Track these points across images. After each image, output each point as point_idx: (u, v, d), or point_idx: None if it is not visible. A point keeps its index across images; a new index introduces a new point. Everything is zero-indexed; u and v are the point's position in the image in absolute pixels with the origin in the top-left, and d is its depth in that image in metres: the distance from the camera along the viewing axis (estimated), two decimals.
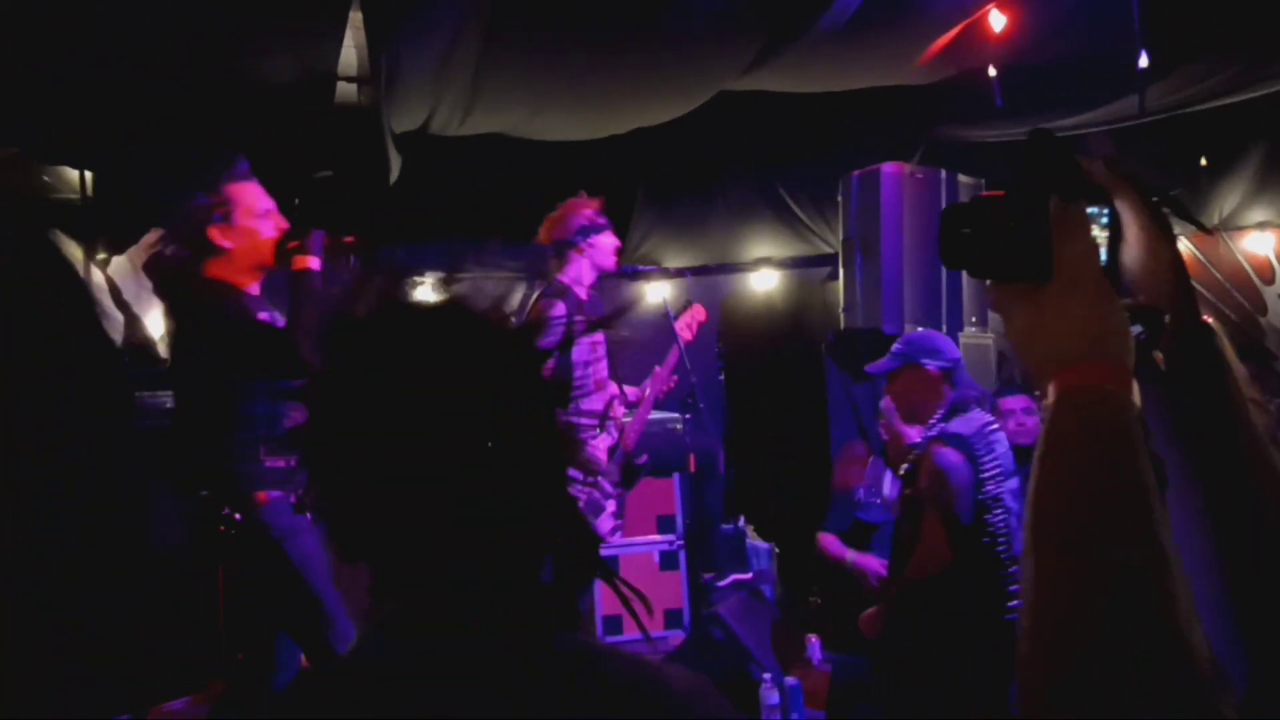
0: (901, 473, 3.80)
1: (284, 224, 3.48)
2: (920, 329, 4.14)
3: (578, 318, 4.47)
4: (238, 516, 3.33)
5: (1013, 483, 3.61)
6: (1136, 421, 0.75)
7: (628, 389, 5.12)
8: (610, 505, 4.85)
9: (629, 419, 5.08)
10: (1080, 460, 0.73)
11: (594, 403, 4.88)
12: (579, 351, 4.77)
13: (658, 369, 5.15)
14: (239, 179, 3.46)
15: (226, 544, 3.35)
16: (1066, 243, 0.79)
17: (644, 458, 5.01)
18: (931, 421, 3.68)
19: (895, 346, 3.81)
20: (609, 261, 4.85)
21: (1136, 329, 0.84)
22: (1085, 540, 0.70)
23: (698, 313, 5.39)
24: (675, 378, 5.17)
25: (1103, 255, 0.83)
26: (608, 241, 4.83)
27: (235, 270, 3.41)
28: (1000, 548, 3.55)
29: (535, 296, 4.86)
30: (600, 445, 4.84)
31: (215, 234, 3.37)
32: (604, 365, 4.93)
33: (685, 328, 5.30)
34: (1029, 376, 0.83)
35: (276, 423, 3.40)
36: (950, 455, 3.55)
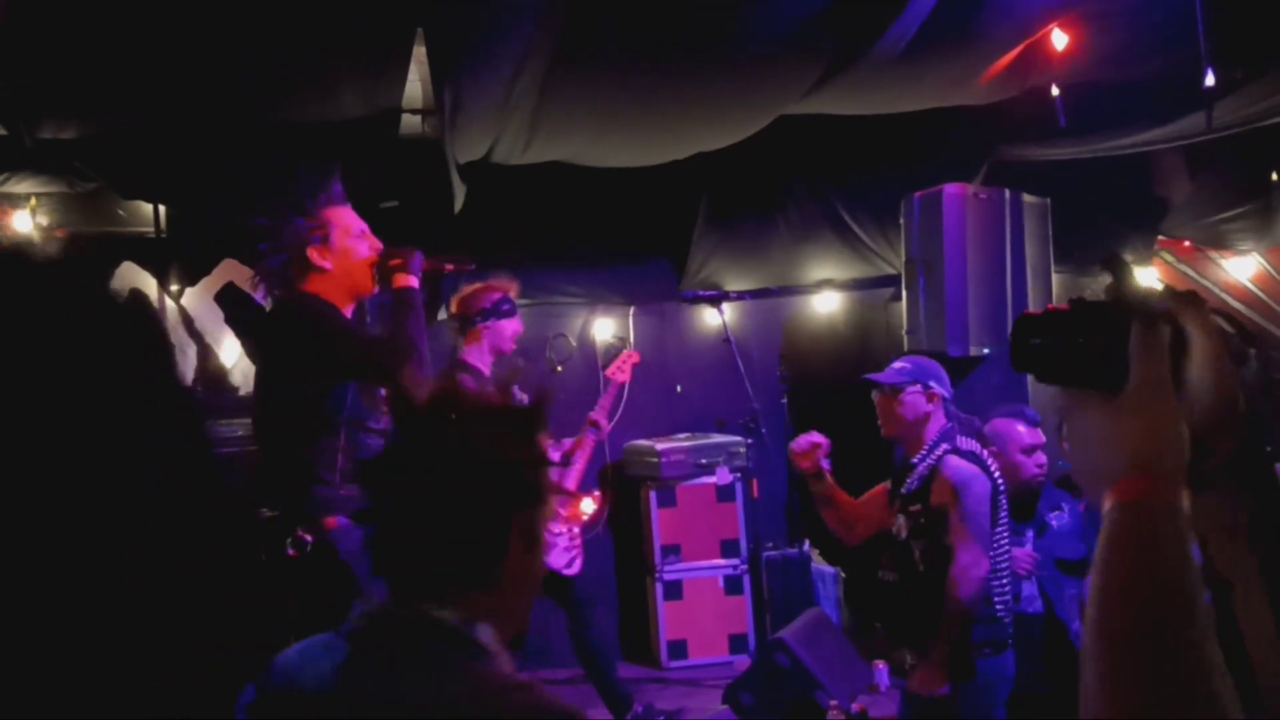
0: (905, 491, 3.73)
1: (378, 245, 3.55)
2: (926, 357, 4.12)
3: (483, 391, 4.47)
4: (309, 539, 3.38)
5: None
6: (1186, 532, 0.83)
7: (564, 441, 5.17)
8: (561, 541, 5.01)
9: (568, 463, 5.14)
10: (1133, 568, 0.83)
11: None
12: None
13: (592, 414, 5.22)
14: (335, 202, 3.51)
15: (295, 566, 3.40)
16: (1144, 362, 0.87)
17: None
18: (929, 443, 3.69)
19: (902, 365, 3.86)
20: (506, 346, 4.83)
21: None
22: (1136, 643, 0.80)
23: (631, 356, 5.54)
24: (610, 424, 5.32)
25: None
26: (508, 327, 4.82)
27: (334, 289, 3.46)
28: (1003, 561, 3.64)
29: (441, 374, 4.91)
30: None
31: (314, 255, 3.43)
32: None
33: (619, 371, 5.43)
34: (1084, 481, 0.92)
35: (355, 452, 3.46)
36: (966, 467, 3.58)
